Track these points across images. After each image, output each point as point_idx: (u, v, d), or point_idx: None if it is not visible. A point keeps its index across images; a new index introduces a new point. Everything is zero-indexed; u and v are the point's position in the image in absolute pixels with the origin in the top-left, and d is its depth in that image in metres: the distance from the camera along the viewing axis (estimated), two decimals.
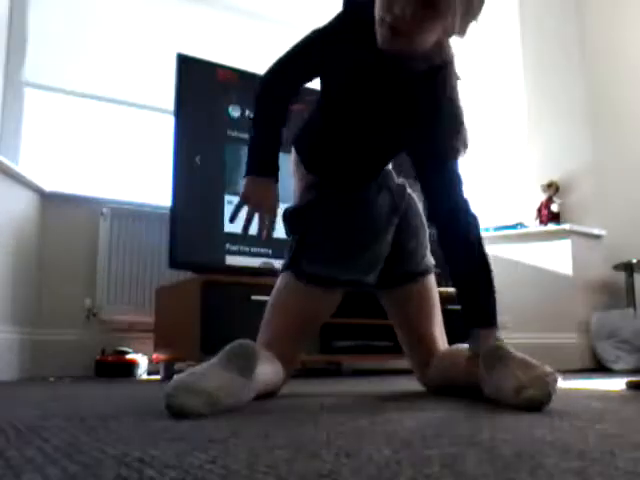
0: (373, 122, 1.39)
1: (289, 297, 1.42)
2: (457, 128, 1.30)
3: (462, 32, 1.23)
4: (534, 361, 1.08)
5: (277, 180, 1.39)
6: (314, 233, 1.42)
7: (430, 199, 1.39)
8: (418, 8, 1.17)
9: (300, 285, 1.40)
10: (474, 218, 1.36)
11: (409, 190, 1.51)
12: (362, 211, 1.41)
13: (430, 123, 1.31)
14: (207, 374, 1.01)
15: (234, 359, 1.06)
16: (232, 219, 1.38)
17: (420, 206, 1.52)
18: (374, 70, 1.32)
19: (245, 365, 1.07)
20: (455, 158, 1.34)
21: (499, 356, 1.12)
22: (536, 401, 1.00)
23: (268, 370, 1.24)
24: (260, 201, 1.36)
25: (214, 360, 1.06)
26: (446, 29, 1.21)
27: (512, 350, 1.13)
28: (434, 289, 1.54)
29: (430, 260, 1.55)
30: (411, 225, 1.49)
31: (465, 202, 1.36)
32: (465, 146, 1.32)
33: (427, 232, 1.54)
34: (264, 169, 1.39)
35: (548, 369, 1.05)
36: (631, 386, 1.64)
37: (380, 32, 1.24)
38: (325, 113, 1.44)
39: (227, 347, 1.09)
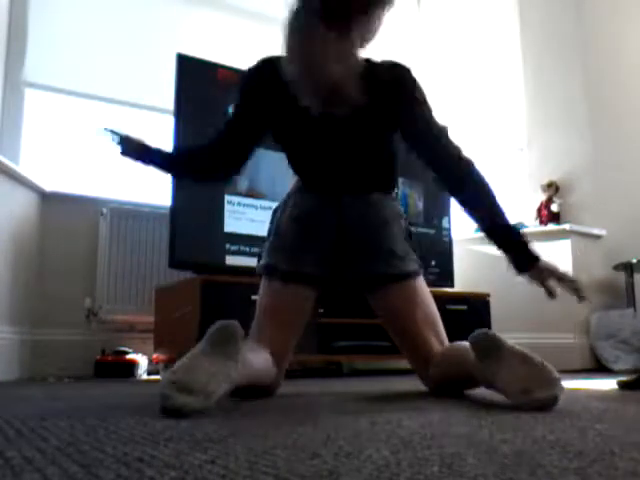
0: (328, 145, 1.48)
1: (262, 295, 1.52)
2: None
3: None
4: (534, 355, 1.08)
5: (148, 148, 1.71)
6: (276, 232, 1.51)
7: (443, 175, 1.47)
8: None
9: (266, 282, 1.50)
10: (476, 169, 1.45)
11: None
12: (314, 215, 1.47)
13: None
14: (195, 367, 1.01)
15: (218, 344, 1.06)
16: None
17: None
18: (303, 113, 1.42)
19: (229, 347, 1.06)
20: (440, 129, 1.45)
21: (493, 346, 1.12)
22: (542, 403, 1.01)
23: (254, 355, 1.25)
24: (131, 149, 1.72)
25: (198, 349, 1.05)
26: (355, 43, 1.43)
27: (505, 340, 1.12)
28: (422, 292, 1.51)
29: (412, 264, 1.50)
30: (369, 232, 1.49)
31: (467, 159, 1.45)
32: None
33: (403, 235, 1.51)
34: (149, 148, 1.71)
35: (552, 370, 1.05)
36: (622, 386, 1.65)
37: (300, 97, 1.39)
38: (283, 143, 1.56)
39: (208, 333, 1.08)
